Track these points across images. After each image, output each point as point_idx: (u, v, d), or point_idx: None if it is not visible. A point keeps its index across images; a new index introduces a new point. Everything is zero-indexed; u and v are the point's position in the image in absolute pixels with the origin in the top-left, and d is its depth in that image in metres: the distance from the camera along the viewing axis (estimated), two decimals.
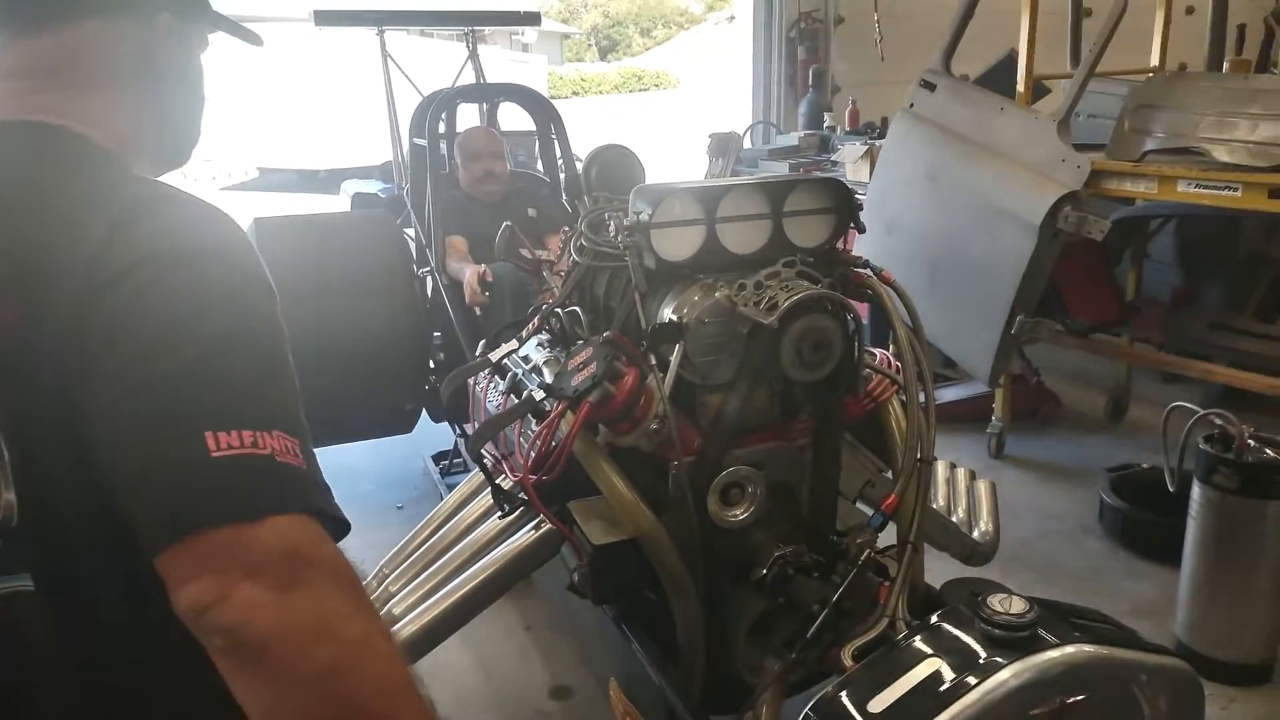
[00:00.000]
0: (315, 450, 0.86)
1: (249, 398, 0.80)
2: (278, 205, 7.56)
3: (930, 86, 3.99)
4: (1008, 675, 1.28)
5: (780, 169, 5.38)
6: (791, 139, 5.94)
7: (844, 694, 1.36)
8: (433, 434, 3.94)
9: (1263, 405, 3.82)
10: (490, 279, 3.12)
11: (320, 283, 3.31)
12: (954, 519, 2.28)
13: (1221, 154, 3.20)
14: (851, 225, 1.86)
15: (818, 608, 1.59)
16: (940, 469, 2.38)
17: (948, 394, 4.38)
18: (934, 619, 1.43)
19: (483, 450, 1.91)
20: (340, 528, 0.82)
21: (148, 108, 1.02)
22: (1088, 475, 3.80)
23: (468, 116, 4.33)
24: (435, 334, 3.66)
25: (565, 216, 3.52)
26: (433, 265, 3.50)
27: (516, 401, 1.90)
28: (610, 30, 32.28)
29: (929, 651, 1.37)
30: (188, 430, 0.77)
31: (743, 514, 1.73)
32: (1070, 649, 1.31)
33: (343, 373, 3.19)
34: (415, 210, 3.72)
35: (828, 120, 6.01)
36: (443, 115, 3.84)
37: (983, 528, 2.28)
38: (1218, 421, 2.55)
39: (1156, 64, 4.25)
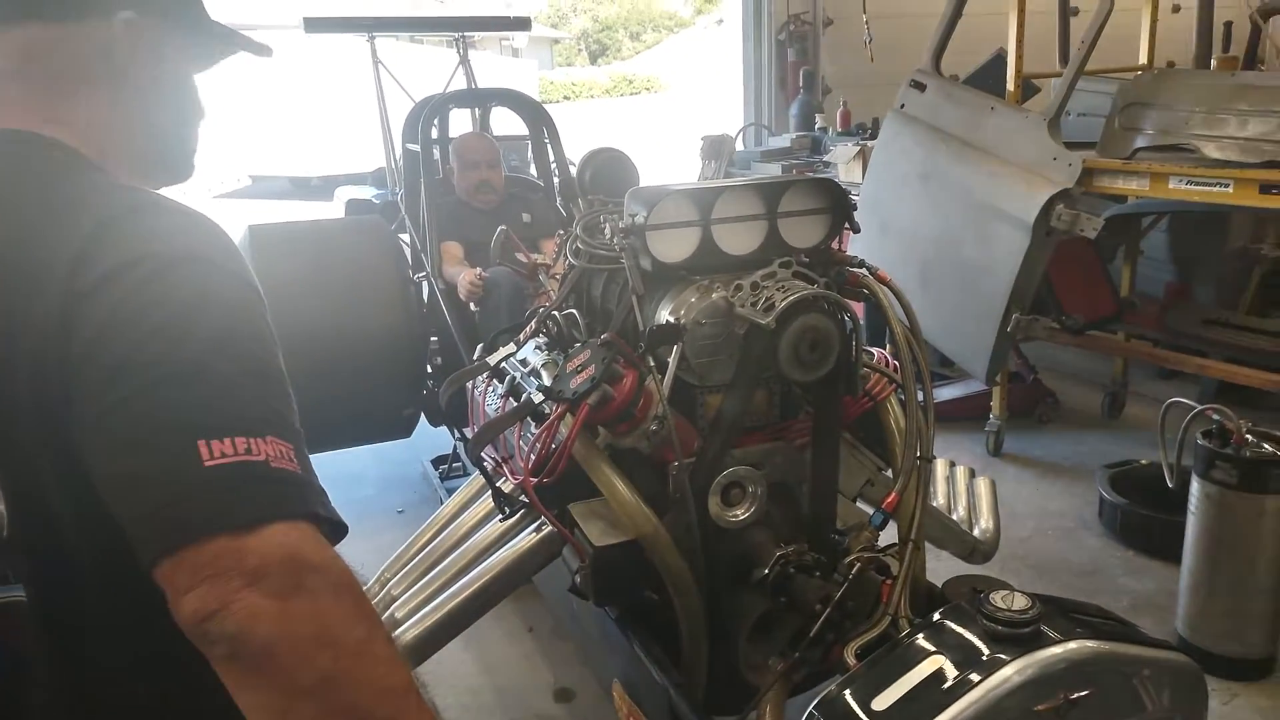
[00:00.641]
0: (314, 456, 0.85)
1: (240, 404, 0.79)
2: (271, 212, 7.55)
3: (920, 87, 4.00)
4: (1011, 671, 1.28)
5: (773, 171, 5.38)
6: (783, 140, 5.95)
7: (848, 692, 1.36)
8: (431, 438, 3.94)
9: (1259, 400, 3.84)
10: (483, 282, 3.12)
11: (316, 289, 3.31)
12: (954, 517, 2.29)
13: (1212, 150, 3.22)
14: (846, 225, 1.87)
15: (820, 607, 1.59)
16: (939, 467, 2.39)
17: (945, 393, 4.39)
18: (936, 616, 1.43)
19: (482, 454, 1.91)
20: (338, 530, 0.82)
21: (117, 115, 0.98)
22: (1086, 472, 3.81)
23: (460, 121, 4.33)
24: (432, 338, 3.66)
25: (559, 220, 3.52)
26: (428, 270, 3.50)
27: (515, 404, 1.90)
28: (600, 35, 32.32)
29: (932, 649, 1.37)
30: (179, 440, 0.75)
31: (743, 514, 1.73)
32: (1073, 645, 1.31)
33: (340, 378, 3.19)
34: (410, 215, 3.72)
35: (819, 122, 6.02)
36: (435, 121, 3.83)
37: (983, 525, 2.29)
38: (1215, 417, 2.56)
39: (1145, 62, 4.27)
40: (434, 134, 3.83)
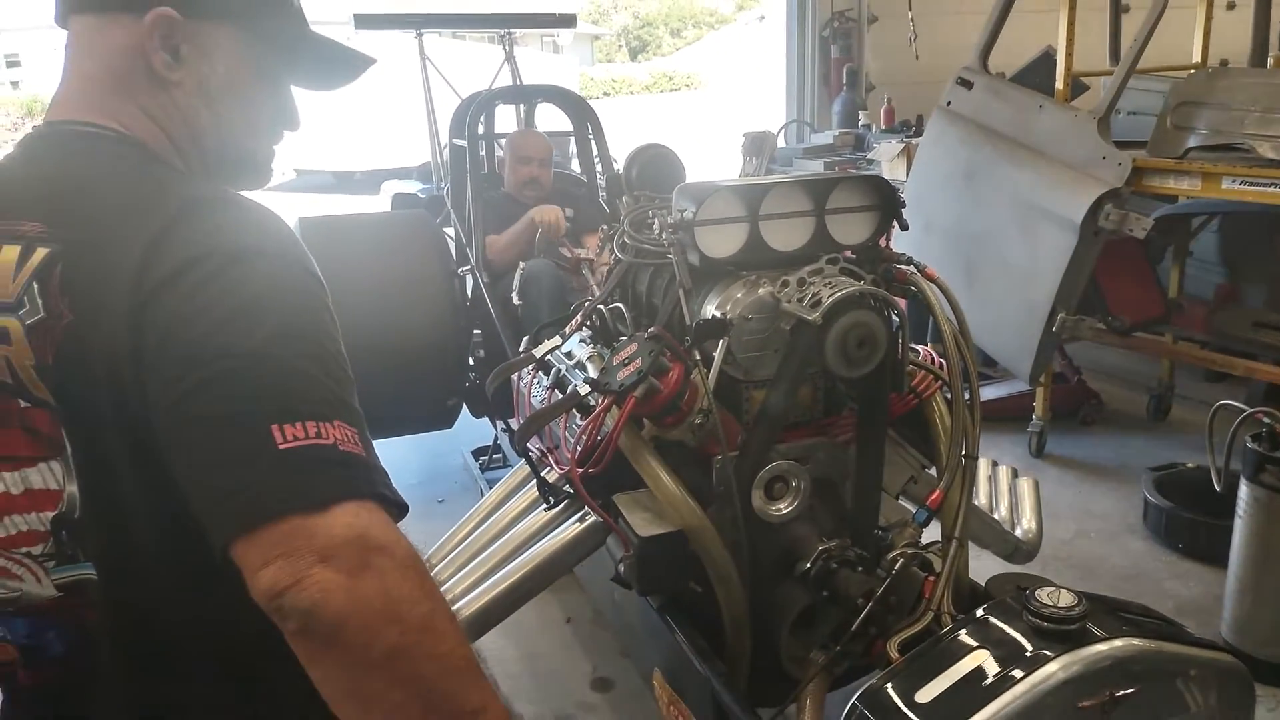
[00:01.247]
0: None
1: (308, 390, 0.82)
2: (317, 206, 7.66)
3: (967, 84, 3.97)
4: (1056, 668, 1.28)
5: (815, 167, 5.37)
6: (826, 137, 5.93)
7: (890, 685, 1.36)
8: (472, 430, 3.99)
9: None
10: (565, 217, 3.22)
11: (362, 281, 3.37)
12: (996, 517, 2.28)
13: (1267, 150, 3.16)
14: (893, 222, 1.87)
15: (862, 601, 1.60)
16: (982, 467, 2.38)
17: (988, 392, 4.35)
18: (980, 612, 1.43)
19: (528, 444, 1.94)
20: (400, 510, 0.85)
21: (174, 113, 0.99)
22: (1130, 475, 3.76)
23: (505, 117, 4.37)
24: (475, 331, 3.71)
25: (601, 216, 3.55)
26: (473, 264, 3.55)
27: (561, 396, 1.92)
28: (640, 31, 32.32)
29: (975, 644, 1.37)
30: (254, 425, 0.79)
31: (787, 508, 1.74)
32: (1119, 642, 1.31)
33: (385, 369, 3.24)
34: (455, 210, 3.77)
35: (862, 119, 6.00)
36: (482, 117, 3.88)
37: (1025, 526, 2.28)
38: (1265, 420, 2.52)
39: (1198, 60, 4.20)
40: (480, 130, 3.87)
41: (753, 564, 1.72)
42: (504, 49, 4.38)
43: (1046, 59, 4.55)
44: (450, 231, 3.86)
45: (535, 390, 2.18)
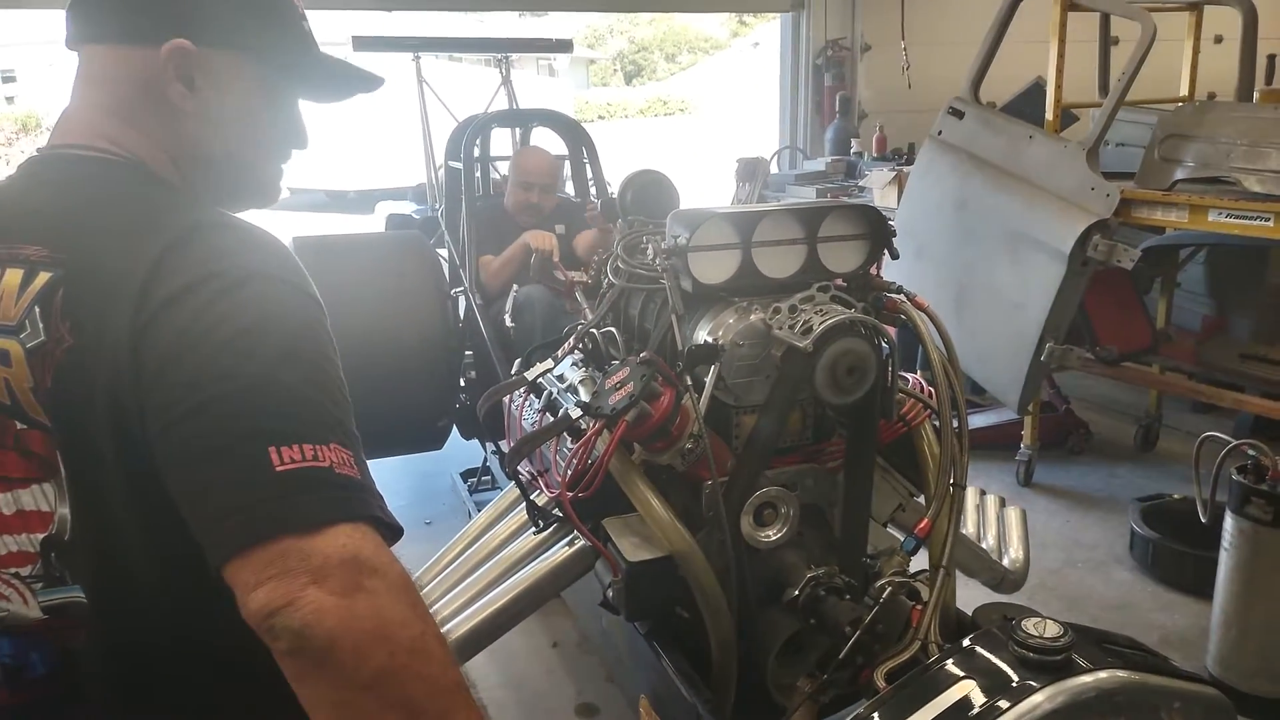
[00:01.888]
0: None
1: (307, 412, 0.83)
2: (311, 225, 7.68)
3: (958, 114, 4.01)
4: (1041, 699, 1.28)
5: (807, 194, 5.40)
6: (818, 164, 5.97)
7: (877, 715, 1.36)
8: (461, 451, 3.98)
9: None
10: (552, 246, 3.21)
11: (355, 301, 3.37)
12: (983, 546, 2.28)
13: (1253, 184, 3.20)
14: (884, 251, 1.89)
15: (850, 629, 1.60)
16: (970, 496, 2.39)
17: (976, 420, 4.37)
18: (967, 642, 1.43)
19: (518, 467, 1.94)
20: (394, 533, 0.86)
21: (183, 139, 1.00)
22: (1117, 505, 3.78)
23: (501, 140, 4.40)
24: (467, 352, 3.71)
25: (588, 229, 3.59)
26: (466, 285, 3.55)
27: (553, 419, 1.93)
28: (635, 56, 32.57)
29: (962, 674, 1.37)
30: (252, 446, 0.80)
31: (775, 534, 1.75)
32: (1104, 674, 1.31)
33: (376, 389, 3.23)
34: (449, 231, 3.78)
35: (855, 146, 6.04)
36: (477, 140, 3.90)
37: (1012, 555, 2.28)
38: (1251, 453, 2.54)
39: (1185, 93, 4.26)
40: (475, 152, 3.90)
41: (741, 590, 1.71)
42: (501, 72, 4.41)
43: (1036, 90, 4.60)
44: (444, 253, 3.87)
45: (527, 413, 2.18)
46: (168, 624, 0.92)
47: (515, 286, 3.25)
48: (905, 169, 4.88)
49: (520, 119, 4.26)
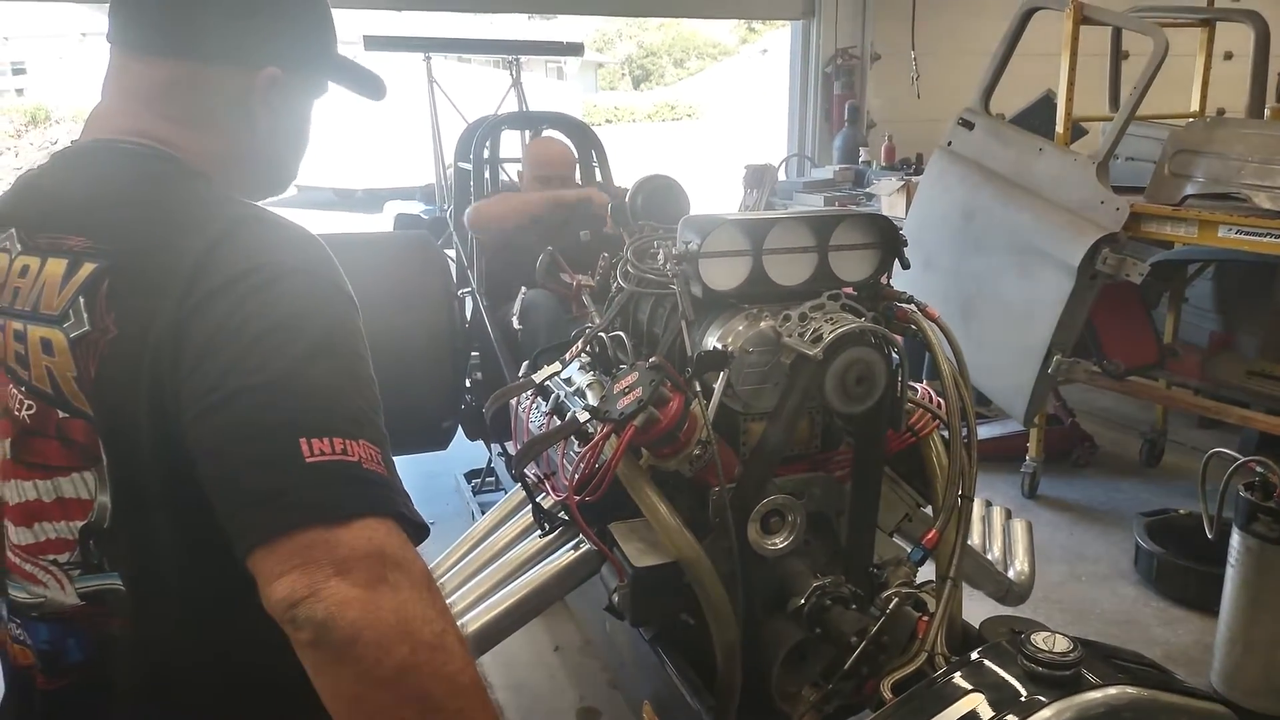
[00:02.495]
0: None
1: (339, 406, 0.84)
2: (319, 223, 7.70)
3: (969, 125, 4.01)
4: (1049, 714, 1.27)
5: (815, 202, 5.41)
6: (826, 172, 5.97)
7: None
8: (465, 452, 3.98)
9: None
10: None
11: (361, 300, 3.34)
12: (989, 557, 2.28)
13: (1263, 200, 3.20)
14: (895, 261, 1.88)
15: (855, 639, 1.60)
16: (976, 507, 2.38)
17: (982, 431, 4.32)
18: (975, 655, 1.43)
19: (525, 469, 1.93)
20: (420, 532, 0.86)
21: (240, 149, 1.05)
22: (1122, 519, 3.77)
23: (510, 142, 4.40)
24: (473, 353, 3.70)
25: (618, 240, 3.47)
26: (473, 286, 3.55)
27: (560, 423, 1.92)
28: (644, 60, 32.61)
29: (969, 687, 1.37)
30: (283, 436, 0.81)
31: (782, 542, 1.74)
32: (1113, 690, 1.30)
33: (381, 388, 3.22)
34: (457, 232, 3.78)
35: (863, 155, 6.04)
36: (487, 141, 3.90)
37: (1018, 567, 2.28)
38: (1258, 469, 2.53)
39: (1196, 109, 4.25)
40: (485, 154, 3.89)
41: (746, 598, 1.71)
42: (511, 74, 4.41)
43: (1047, 102, 4.60)
44: (452, 254, 3.87)
45: (534, 415, 2.18)
46: (196, 618, 0.93)
47: (523, 289, 3.23)
48: (913, 179, 4.88)
49: (530, 121, 4.26)
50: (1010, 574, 2.25)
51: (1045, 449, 4.08)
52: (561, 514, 1.87)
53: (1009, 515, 2.42)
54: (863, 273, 1.85)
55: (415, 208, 4.94)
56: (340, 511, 0.80)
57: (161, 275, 0.86)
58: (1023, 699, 1.30)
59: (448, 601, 1.88)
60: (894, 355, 1.73)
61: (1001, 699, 1.32)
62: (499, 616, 1.80)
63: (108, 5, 1.02)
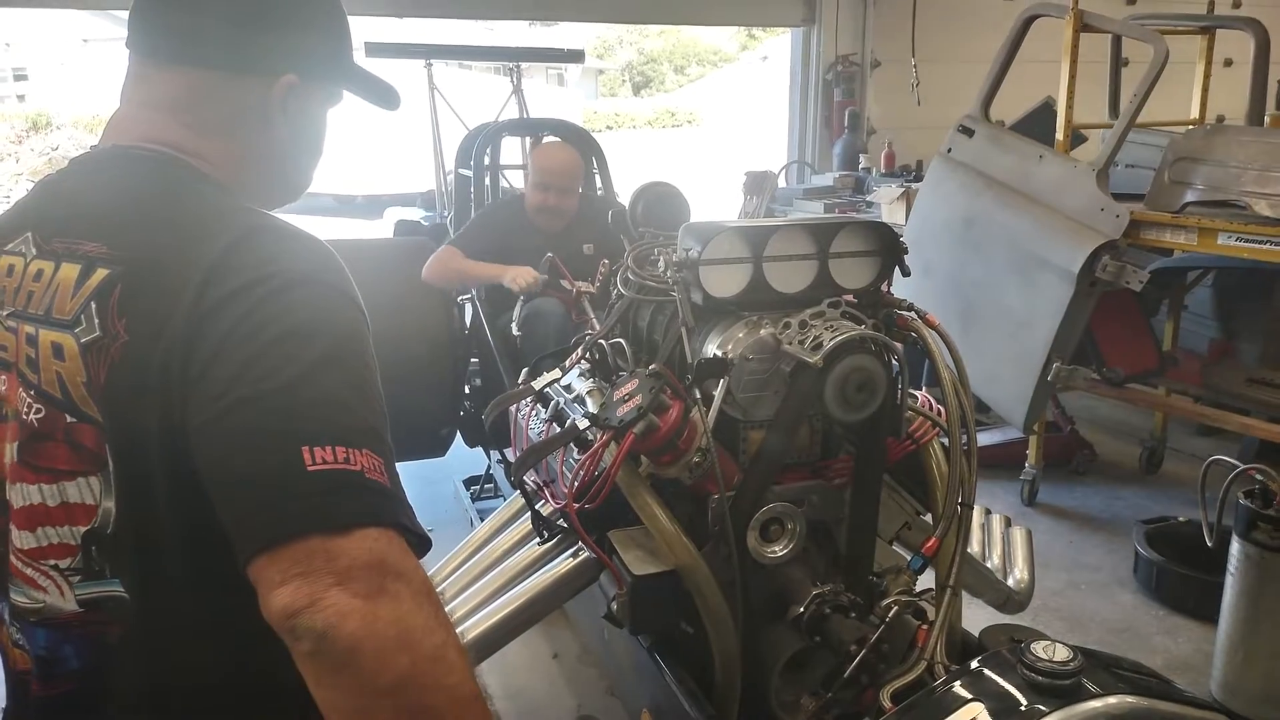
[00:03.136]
0: None
1: (344, 416, 0.84)
2: (320, 229, 7.70)
3: (968, 132, 4.02)
4: None
5: (815, 208, 5.41)
6: (827, 179, 5.98)
7: None
8: (463, 459, 3.97)
9: None
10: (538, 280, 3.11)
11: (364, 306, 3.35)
12: (988, 565, 2.27)
13: (1263, 208, 3.20)
14: (896, 268, 1.88)
15: (855, 648, 1.59)
16: (975, 515, 2.38)
17: (981, 439, 4.32)
18: (975, 664, 1.42)
19: (524, 476, 1.93)
20: (422, 544, 0.86)
21: (257, 156, 1.05)
22: (1122, 527, 3.76)
23: (511, 149, 4.40)
24: (472, 360, 3.70)
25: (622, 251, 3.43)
26: (472, 293, 3.55)
27: (559, 430, 1.92)
28: (644, 67, 32.68)
29: (969, 696, 1.36)
30: (286, 444, 0.80)
31: (781, 550, 1.74)
32: (1113, 699, 1.30)
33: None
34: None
35: (863, 162, 6.05)
36: (488, 148, 3.91)
37: (1017, 575, 2.27)
38: (1258, 477, 2.53)
39: (1196, 116, 4.26)
40: (485, 161, 3.89)
41: (745, 606, 1.71)
42: (512, 81, 4.42)
43: (1046, 109, 4.61)
44: None
45: (533, 422, 2.17)
46: (198, 625, 0.92)
47: (522, 298, 3.23)
48: (913, 186, 4.88)
49: (531, 128, 4.26)
50: (1010, 582, 2.25)
51: (1045, 456, 4.08)
52: (560, 521, 1.87)
53: (1008, 523, 2.42)
54: (863, 280, 1.85)
55: (415, 214, 4.94)
56: (341, 520, 0.79)
57: (173, 282, 0.87)
58: (1023, 708, 1.30)
59: (448, 608, 1.89)
60: (894, 363, 1.73)
61: (1001, 708, 1.31)
62: (498, 624, 1.80)
63: (127, 12, 1.03)
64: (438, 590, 2.04)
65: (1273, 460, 3.23)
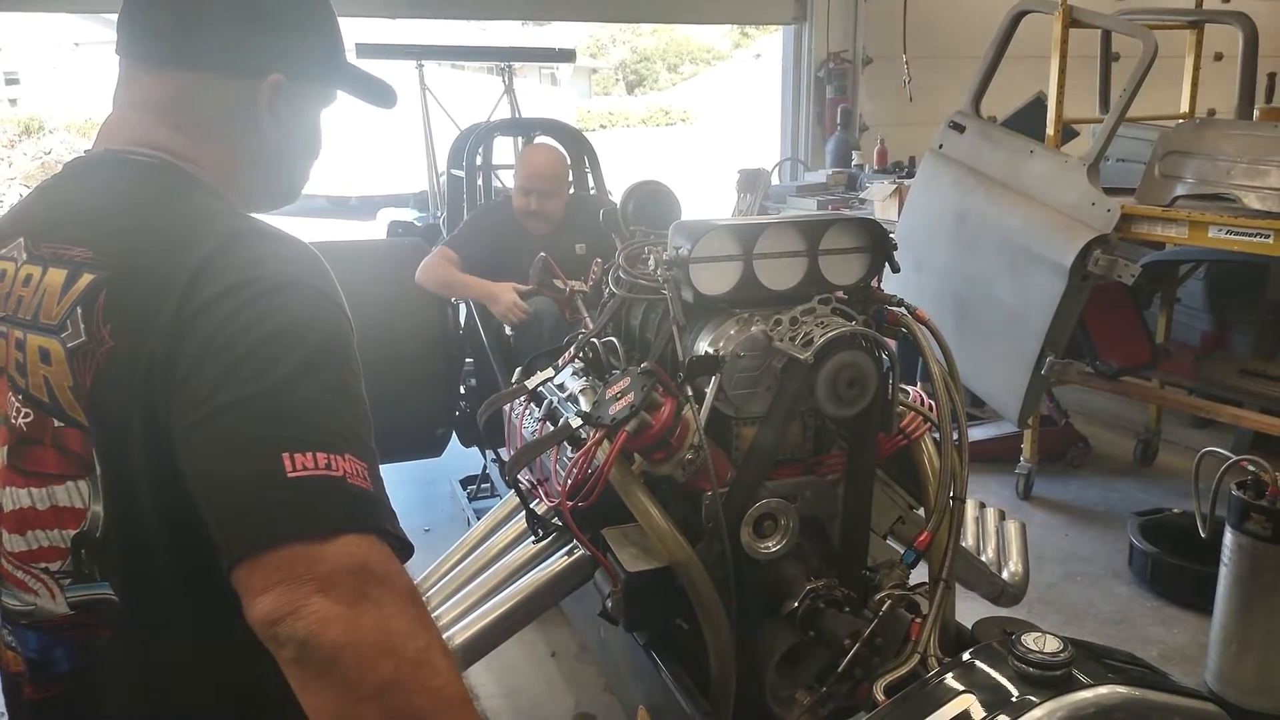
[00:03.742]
0: None
1: (326, 421, 0.84)
2: (313, 230, 7.69)
3: (959, 128, 4.03)
4: (1040, 714, 1.28)
5: (808, 205, 5.42)
6: (819, 176, 5.99)
7: None
8: (460, 459, 3.98)
9: None
10: (524, 314, 3.12)
11: (355, 308, 3.34)
12: (983, 559, 2.28)
13: (1253, 201, 3.21)
14: (886, 264, 1.89)
15: (849, 642, 1.60)
16: (969, 508, 2.38)
17: (976, 433, 4.37)
18: (966, 656, 1.43)
19: (518, 475, 1.93)
20: (405, 549, 0.86)
21: (248, 157, 1.05)
22: (1116, 519, 3.78)
23: (503, 149, 4.41)
24: (467, 360, 3.71)
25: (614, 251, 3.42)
26: None
27: (553, 428, 1.93)
28: (637, 66, 32.65)
29: (961, 688, 1.37)
30: (267, 451, 0.80)
31: (775, 546, 1.74)
32: (1104, 690, 1.31)
33: (375, 396, 3.22)
34: None
35: (855, 158, 6.06)
36: (480, 148, 3.91)
37: (1012, 568, 2.28)
38: (1250, 468, 2.54)
39: (1186, 110, 4.27)
40: (478, 161, 3.89)
41: (740, 602, 1.71)
42: (504, 81, 4.42)
43: (1038, 105, 4.62)
44: None
45: (527, 422, 2.18)
46: (187, 628, 0.93)
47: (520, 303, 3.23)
48: (906, 182, 4.89)
49: (523, 128, 4.26)
50: (1005, 575, 2.26)
51: (1039, 450, 4.09)
52: (555, 520, 1.87)
53: (1003, 516, 2.43)
54: (853, 276, 1.86)
55: (409, 215, 4.94)
56: (322, 526, 0.79)
57: (157, 288, 0.87)
58: (1014, 699, 1.30)
59: (443, 608, 1.90)
60: (885, 358, 1.73)
61: (993, 700, 1.32)
62: (494, 623, 1.80)
63: (116, 17, 1.03)
64: (435, 587, 2.06)
65: (1266, 451, 3.25)
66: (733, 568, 1.69)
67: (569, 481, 1.72)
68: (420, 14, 5.83)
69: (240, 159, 1.05)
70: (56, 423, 0.91)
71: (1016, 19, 3.89)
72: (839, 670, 1.60)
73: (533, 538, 1.92)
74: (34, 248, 0.95)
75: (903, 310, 1.83)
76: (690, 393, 1.72)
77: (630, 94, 31.09)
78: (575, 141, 4.07)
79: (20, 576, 0.95)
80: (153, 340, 0.85)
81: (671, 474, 1.73)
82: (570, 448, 1.82)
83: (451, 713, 0.81)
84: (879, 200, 5.05)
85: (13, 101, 18.29)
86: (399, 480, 4.08)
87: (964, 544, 2.24)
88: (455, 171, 3.86)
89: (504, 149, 4.44)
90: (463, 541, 2.22)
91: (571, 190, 3.64)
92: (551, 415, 2.03)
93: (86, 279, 0.90)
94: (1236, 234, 3.20)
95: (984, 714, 1.31)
